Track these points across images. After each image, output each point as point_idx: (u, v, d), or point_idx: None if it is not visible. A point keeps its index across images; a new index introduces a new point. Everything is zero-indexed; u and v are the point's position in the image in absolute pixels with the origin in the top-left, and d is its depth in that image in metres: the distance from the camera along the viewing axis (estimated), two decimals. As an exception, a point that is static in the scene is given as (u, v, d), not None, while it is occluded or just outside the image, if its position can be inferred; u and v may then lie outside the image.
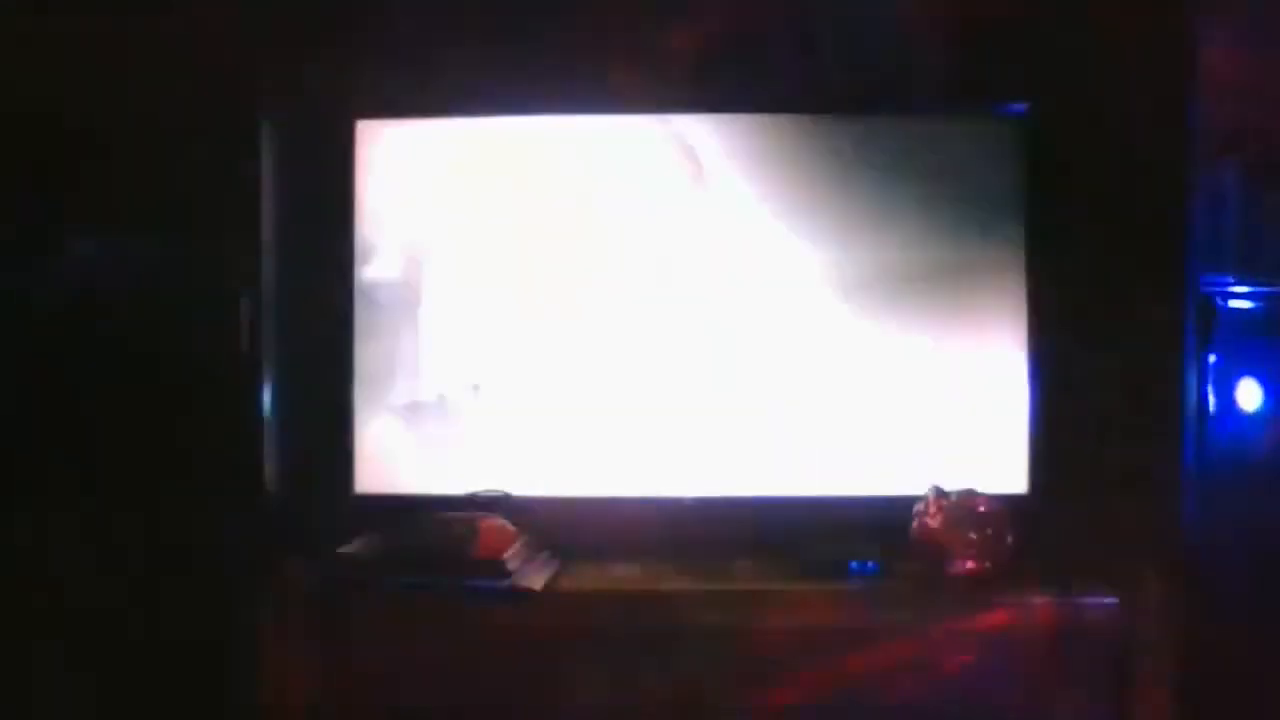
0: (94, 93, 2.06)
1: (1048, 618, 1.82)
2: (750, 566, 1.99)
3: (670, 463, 2.09)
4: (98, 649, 1.94)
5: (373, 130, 2.11)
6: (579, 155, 2.10)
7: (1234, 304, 1.91)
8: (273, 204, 2.00)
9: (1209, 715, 1.83)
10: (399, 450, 2.10)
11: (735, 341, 2.10)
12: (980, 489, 1.93)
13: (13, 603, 1.95)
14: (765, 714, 1.83)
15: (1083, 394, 2.01)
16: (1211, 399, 1.89)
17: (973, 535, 1.89)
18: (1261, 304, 1.92)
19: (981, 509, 1.90)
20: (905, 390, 2.09)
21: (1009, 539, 1.90)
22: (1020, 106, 2.06)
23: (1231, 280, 1.92)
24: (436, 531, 1.92)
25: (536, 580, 1.88)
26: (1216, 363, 1.89)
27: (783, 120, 2.10)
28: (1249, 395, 1.91)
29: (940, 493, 1.92)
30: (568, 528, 2.05)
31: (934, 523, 1.90)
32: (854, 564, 1.92)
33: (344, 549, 1.95)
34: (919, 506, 1.92)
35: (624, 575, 1.95)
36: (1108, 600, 1.81)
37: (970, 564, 1.89)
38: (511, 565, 1.88)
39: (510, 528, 1.95)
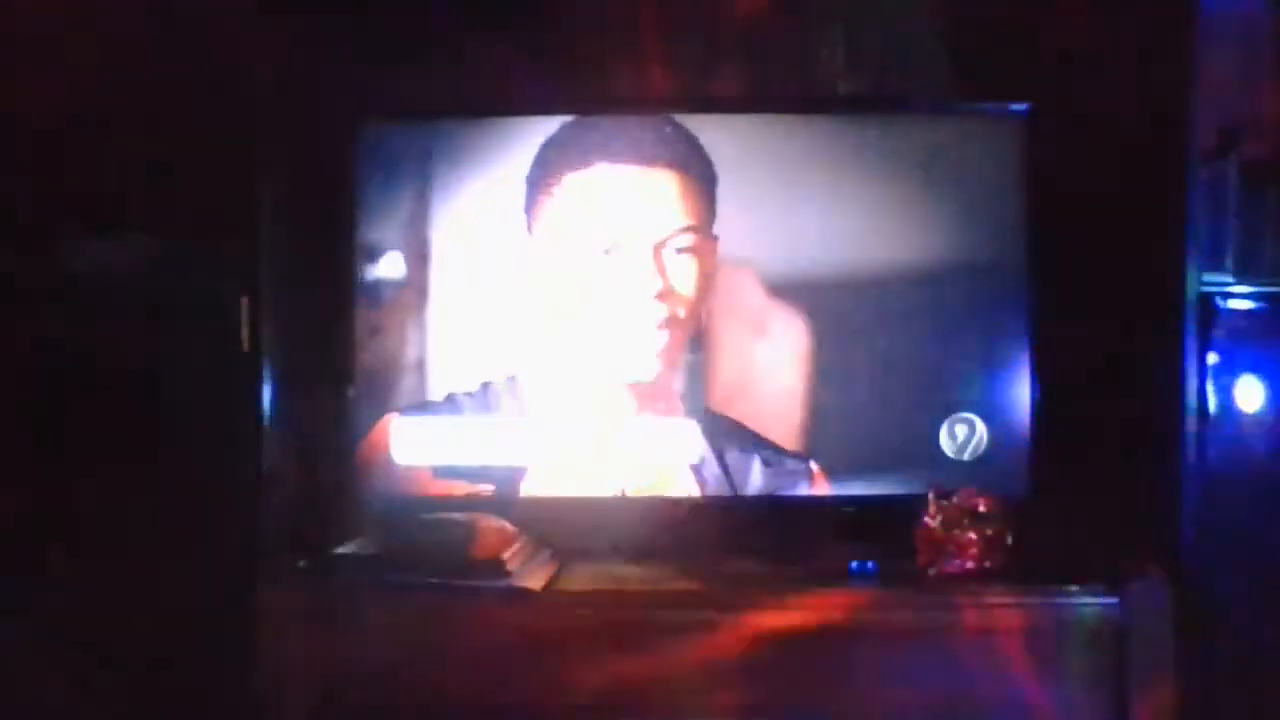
0: (94, 92, 2.06)
1: (1047, 617, 1.82)
2: (750, 566, 1.99)
3: (670, 463, 2.09)
4: (97, 648, 1.94)
5: (373, 130, 2.10)
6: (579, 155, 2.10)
7: (1234, 304, 1.91)
8: (273, 204, 2.00)
9: (1209, 715, 1.83)
10: (400, 450, 2.09)
11: (735, 341, 2.10)
12: (980, 489, 1.93)
13: (10, 602, 1.95)
14: (765, 714, 1.82)
15: (1083, 394, 2.01)
16: (1211, 399, 1.89)
17: (973, 535, 1.89)
18: (1261, 304, 1.92)
19: (981, 509, 1.90)
20: (905, 390, 2.09)
21: (1009, 539, 1.90)
22: (1020, 106, 2.06)
23: (1231, 280, 1.92)
24: (436, 531, 1.92)
25: (536, 580, 1.88)
26: (1216, 363, 1.89)
27: (783, 120, 2.10)
28: (1249, 395, 1.91)
29: (940, 493, 1.92)
30: (568, 528, 2.05)
31: (934, 523, 1.90)
32: (854, 564, 1.92)
33: (344, 549, 1.95)
34: (919, 507, 1.92)
35: (624, 575, 1.95)
36: (1107, 600, 1.81)
37: (970, 564, 1.89)
38: (511, 565, 1.88)
39: (510, 528, 1.95)
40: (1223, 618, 1.85)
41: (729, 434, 2.09)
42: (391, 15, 2.14)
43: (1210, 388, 1.89)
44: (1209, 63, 1.86)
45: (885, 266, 2.08)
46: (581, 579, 1.93)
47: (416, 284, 2.10)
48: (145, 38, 2.04)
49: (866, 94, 2.16)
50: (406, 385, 2.10)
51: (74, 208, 2.07)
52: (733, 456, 2.09)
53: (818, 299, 2.08)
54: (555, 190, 2.08)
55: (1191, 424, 1.87)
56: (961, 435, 2.08)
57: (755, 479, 2.08)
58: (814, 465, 2.08)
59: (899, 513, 1.95)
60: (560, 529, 2.04)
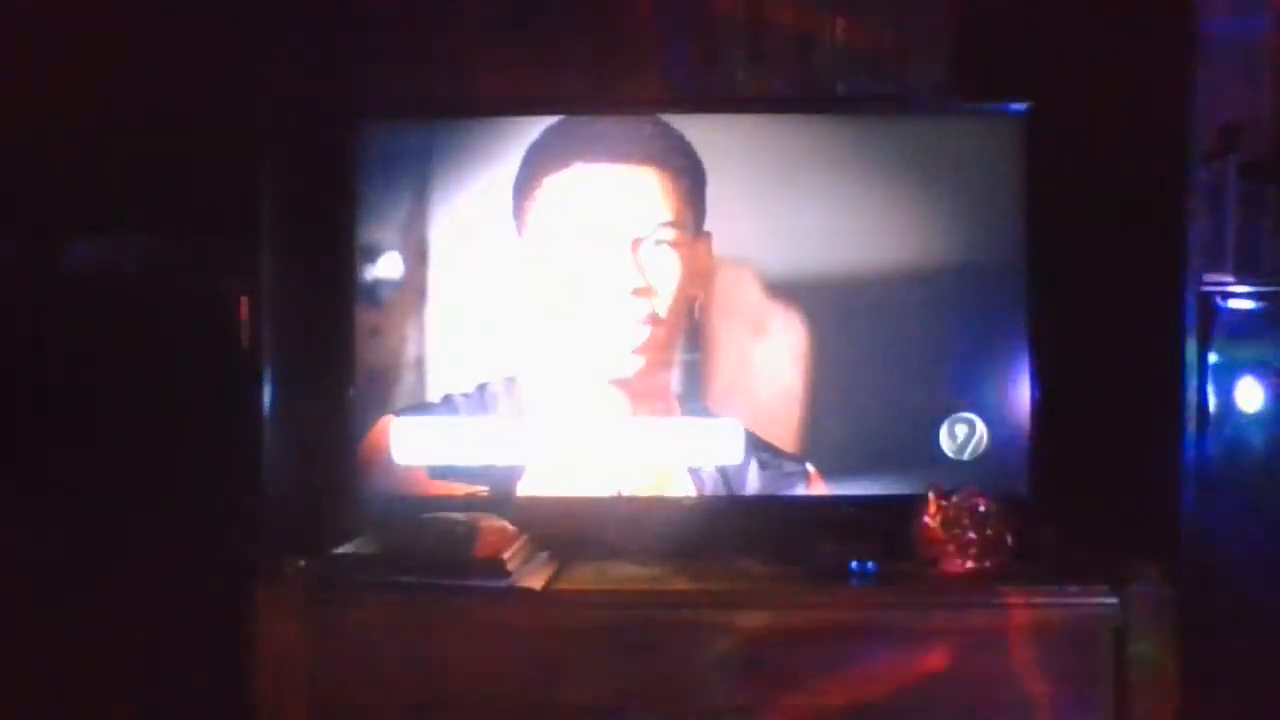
0: (94, 92, 2.06)
1: (1047, 617, 1.82)
2: (750, 566, 1.99)
3: (670, 463, 2.09)
4: (97, 648, 1.94)
5: (373, 130, 2.10)
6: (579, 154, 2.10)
7: (1234, 304, 1.91)
8: (273, 204, 2.00)
9: (1209, 715, 1.83)
10: (399, 450, 2.09)
11: (734, 340, 2.10)
12: (980, 489, 1.93)
13: (10, 601, 1.95)
14: (765, 714, 1.82)
15: (1083, 394, 2.01)
16: (1211, 399, 1.89)
17: (973, 535, 1.89)
18: (1261, 304, 1.92)
19: (981, 509, 1.90)
20: (905, 390, 2.09)
21: (1009, 539, 1.90)
22: (1020, 106, 2.06)
23: (1231, 280, 1.92)
24: (436, 531, 1.92)
25: (536, 580, 1.88)
26: (1216, 363, 1.89)
27: (783, 120, 2.10)
28: (1249, 395, 1.91)
29: (940, 493, 1.92)
30: (568, 528, 2.05)
31: (934, 523, 1.90)
32: (854, 564, 1.92)
33: (344, 549, 1.95)
34: (919, 507, 1.92)
35: (624, 575, 1.95)
36: (1107, 600, 1.81)
37: (970, 564, 1.89)
38: (511, 565, 1.88)
39: (510, 528, 1.95)
40: (1223, 618, 1.84)
41: (728, 433, 2.09)
42: (391, 15, 2.14)
43: (1210, 388, 1.89)
44: (1209, 63, 1.86)
45: (885, 266, 2.08)
46: (581, 579, 1.93)
47: (416, 284, 2.10)
48: (145, 38, 2.04)
49: (866, 94, 2.16)
50: (405, 385, 2.10)
51: (74, 208, 2.07)
52: (732, 456, 2.09)
53: (817, 298, 2.08)
54: (538, 194, 2.08)
55: (1191, 424, 1.87)
56: (961, 435, 2.08)
57: (752, 481, 2.08)
58: (810, 467, 2.08)
59: (899, 513, 1.95)
60: (560, 529, 2.04)
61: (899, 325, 2.08)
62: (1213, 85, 1.87)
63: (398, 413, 2.09)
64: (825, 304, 2.08)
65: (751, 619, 1.83)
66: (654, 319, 2.07)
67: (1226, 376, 1.90)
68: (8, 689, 1.95)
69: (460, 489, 2.08)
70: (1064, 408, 2.03)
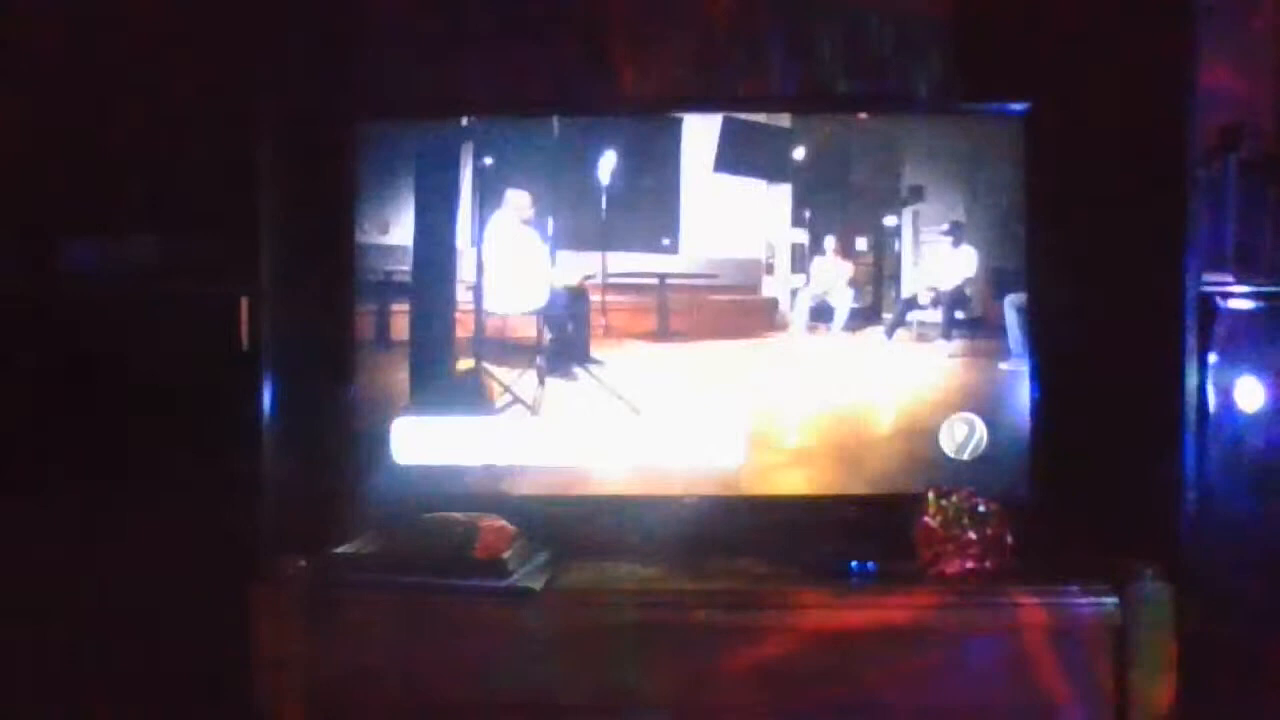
0: (94, 93, 2.06)
1: (1047, 617, 1.82)
2: (750, 566, 1.99)
3: (669, 463, 2.09)
4: (96, 648, 1.94)
5: (373, 130, 2.10)
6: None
7: (1234, 304, 1.91)
8: (272, 204, 2.00)
9: (1209, 715, 1.83)
10: (399, 450, 2.09)
11: (734, 339, 2.10)
12: (980, 489, 1.93)
13: (11, 601, 1.95)
14: (766, 714, 1.82)
15: (1082, 394, 2.01)
16: (1211, 399, 1.89)
17: (973, 535, 1.89)
18: (1261, 304, 1.92)
19: (981, 509, 1.90)
20: (905, 389, 2.09)
21: (1009, 539, 1.90)
22: (1020, 106, 2.06)
23: (1231, 280, 1.92)
24: (436, 531, 1.92)
25: (536, 580, 1.88)
26: (1216, 363, 1.89)
27: (783, 120, 2.10)
28: (1249, 395, 1.91)
29: (940, 493, 1.92)
30: (568, 528, 2.05)
31: (934, 523, 1.90)
32: (854, 564, 1.92)
33: (344, 549, 1.95)
34: (919, 507, 1.92)
35: (624, 575, 1.95)
36: (1107, 600, 1.81)
37: (970, 564, 1.89)
38: (511, 565, 1.88)
39: (510, 528, 1.95)
40: (1223, 618, 1.84)
41: (728, 433, 2.09)
42: (390, 15, 2.14)
43: (1210, 388, 1.89)
44: (1209, 63, 1.86)
45: (884, 265, 2.08)
46: (581, 579, 1.93)
47: (416, 283, 2.10)
48: (145, 38, 2.04)
49: (866, 93, 2.16)
50: (406, 385, 2.10)
51: (74, 208, 2.07)
52: (732, 456, 2.09)
53: (818, 298, 2.08)
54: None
55: (1191, 424, 1.87)
56: (961, 435, 2.08)
57: (754, 478, 2.08)
58: (814, 464, 2.07)
59: (899, 513, 1.95)
60: (560, 529, 2.04)
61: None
62: (1213, 85, 1.87)
63: (398, 412, 2.09)
64: (825, 303, 2.08)
65: (751, 619, 1.83)
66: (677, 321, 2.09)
67: (1226, 376, 1.89)
68: (9, 689, 1.95)
69: (461, 489, 2.08)
70: (1064, 408, 2.03)
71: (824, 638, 1.82)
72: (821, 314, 2.12)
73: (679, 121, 2.11)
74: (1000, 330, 2.09)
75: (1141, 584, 1.80)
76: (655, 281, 2.13)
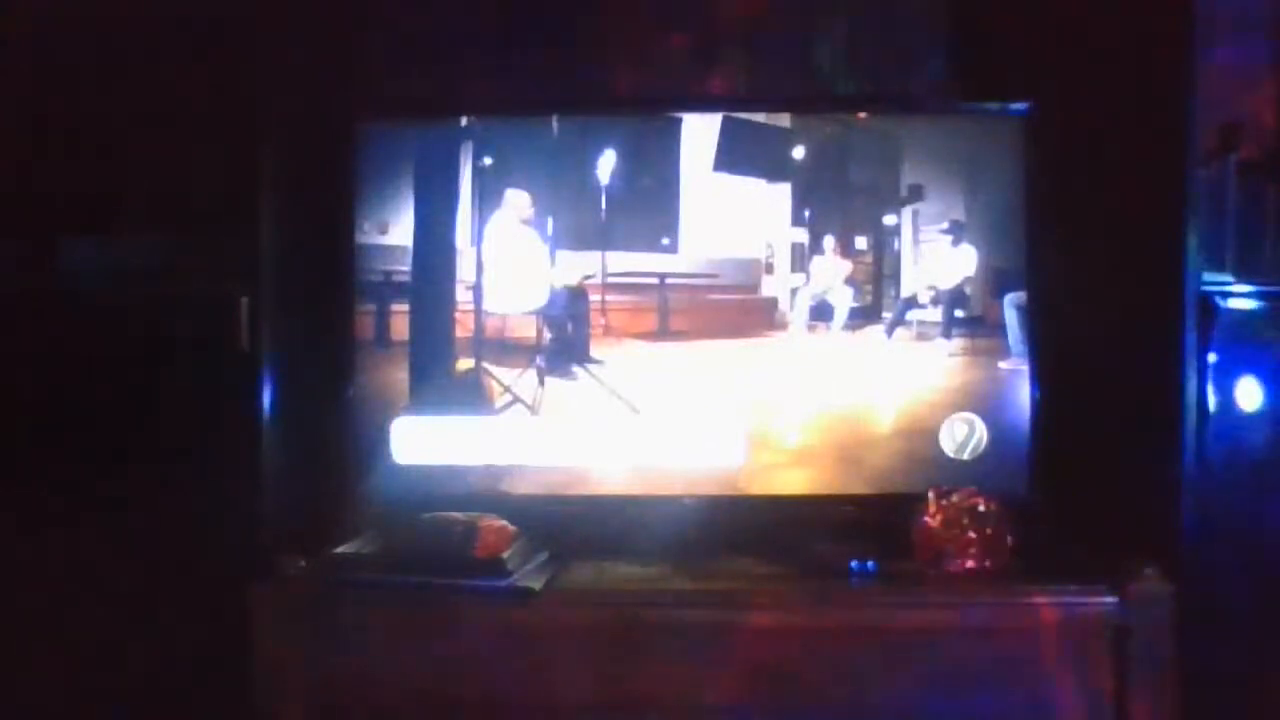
0: (94, 93, 2.06)
1: (1047, 617, 1.82)
2: (750, 566, 1.99)
3: (669, 463, 2.09)
4: (96, 648, 1.94)
5: (373, 130, 2.10)
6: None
7: (1234, 304, 1.91)
8: (272, 204, 2.00)
9: (1208, 716, 1.83)
10: (399, 450, 2.09)
11: (734, 339, 2.10)
12: (980, 489, 1.93)
13: (10, 602, 1.95)
14: (765, 713, 1.82)
15: (1082, 394, 2.01)
16: (1211, 399, 1.89)
17: (973, 535, 1.89)
18: (1261, 304, 1.92)
19: (981, 509, 1.90)
20: (905, 389, 2.09)
21: (1009, 539, 1.90)
22: (1021, 106, 2.06)
23: (1231, 280, 1.92)
24: (436, 531, 1.92)
25: (536, 580, 1.88)
26: (1216, 363, 1.89)
27: (783, 120, 2.10)
28: (1249, 395, 1.91)
29: (940, 493, 1.92)
30: (568, 528, 2.05)
31: (934, 523, 1.90)
32: (854, 564, 1.92)
33: (343, 549, 1.95)
34: (919, 506, 1.92)
35: (624, 575, 1.95)
36: (1107, 600, 1.81)
37: (970, 564, 1.89)
38: (511, 565, 1.88)
39: (510, 528, 1.95)
40: (1223, 618, 1.84)
41: (728, 433, 2.09)
42: (390, 16, 2.14)
43: (1210, 387, 1.89)
44: (1209, 63, 1.86)
45: (884, 265, 2.08)
46: (581, 579, 1.93)
47: (416, 283, 2.10)
48: (145, 38, 2.04)
49: (866, 93, 2.16)
50: (406, 385, 2.10)
51: (74, 208, 2.07)
52: (731, 456, 2.09)
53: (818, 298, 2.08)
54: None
55: (1191, 424, 1.87)
56: (961, 435, 2.08)
57: (754, 478, 2.08)
58: (814, 464, 2.07)
59: (899, 513, 1.95)
60: (560, 529, 2.04)
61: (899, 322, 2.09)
62: (1213, 85, 1.87)
63: (398, 412, 2.09)
64: (825, 303, 2.09)
65: (751, 619, 1.83)
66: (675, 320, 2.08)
67: (1226, 376, 1.89)
68: (8, 690, 1.95)
69: (461, 489, 2.08)
70: (1064, 408, 2.03)
71: (824, 638, 1.82)
72: (821, 313, 2.13)
73: (679, 121, 2.11)
74: (1000, 329, 2.09)
75: (1141, 584, 1.80)
76: (655, 281, 2.14)
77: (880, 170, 2.11)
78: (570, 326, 2.13)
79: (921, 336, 2.12)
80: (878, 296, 2.13)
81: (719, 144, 2.09)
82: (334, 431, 2.09)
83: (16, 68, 2.05)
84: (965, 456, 2.07)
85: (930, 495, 1.92)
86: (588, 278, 2.12)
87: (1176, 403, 1.86)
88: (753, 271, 2.14)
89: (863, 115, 2.13)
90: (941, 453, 2.08)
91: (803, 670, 1.82)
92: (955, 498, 1.91)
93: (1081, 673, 1.81)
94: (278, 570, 1.87)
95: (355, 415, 2.09)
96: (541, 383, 2.11)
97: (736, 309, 2.15)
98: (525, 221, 2.11)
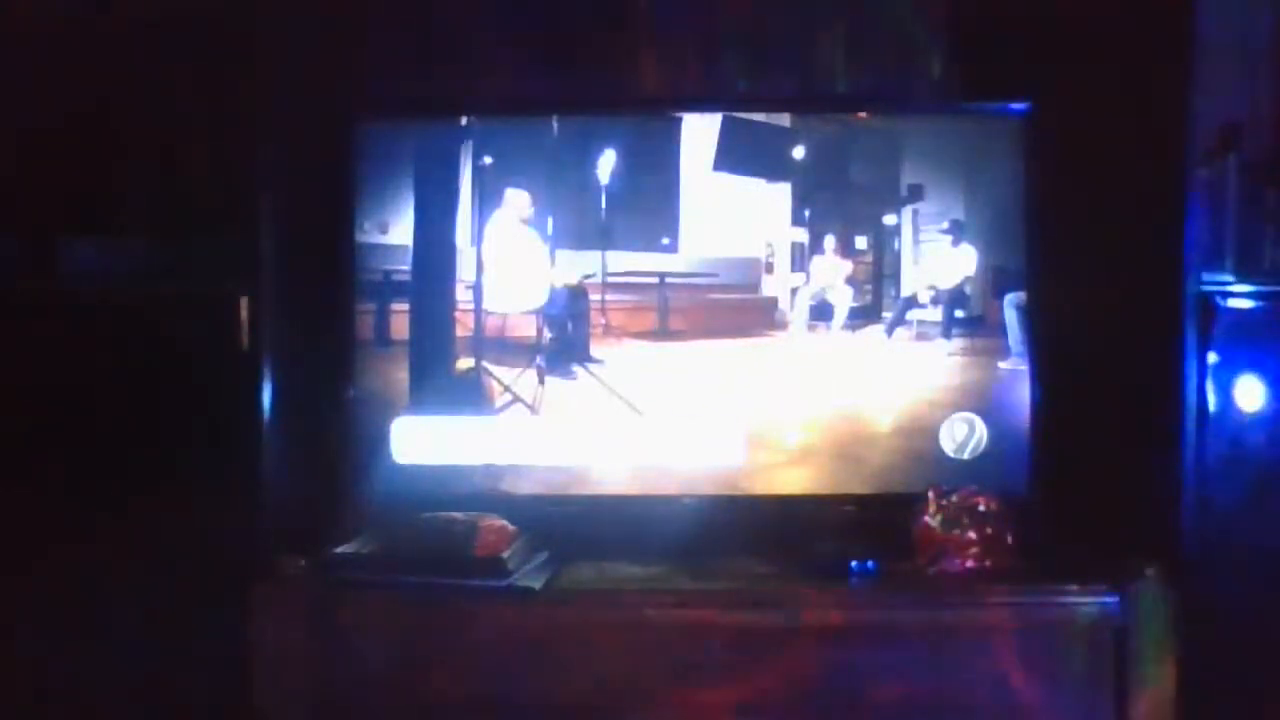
0: (94, 93, 2.06)
1: (1047, 617, 1.82)
2: (750, 566, 1.99)
3: (669, 463, 2.09)
4: (96, 648, 1.94)
5: (373, 130, 2.10)
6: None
7: (1234, 304, 1.91)
8: (272, 204, 2.00)
9: (1208, 715, 1.83)
10: (399, 450, 2.09)
11: (734, 339, 2.10)
12: (980, 489, 1.93)
13: (10, 601, 1.95)
14: (765, 714, 1.83)
15: (1083, 394, 2.01)
16: (1211, 399, 1.89)
17: (973, 535, 1.89)
18: (1261, 304, 1.92)
19: (981, 509, 1.90)
20: (905, 388, 2.09)
21: (1009, 539, 1.90)
22: (1020, 106, 2.06)
23: (1231, 280, 1.92)
24: (436, 531, 1.92)
25: (536, 580, 1.88)
26: (1216, 363, 1.89)
27: (783, 119, 2.10)
28: (1249, 395, 1.91)
29: (940, 492, 1.92)
30: (568, 528, 2.05)
31: (934, 522, 1.91)
32: (854, 564, 1.92)
33: (343, 549, 1.95)
34: (919, 506, 1.92)
35: (624, 575, 1.95)
36: (1107, 600, 1.81)
37: (970, 564, 1.89)
38: (511, 565, 1.88)
39: (510, 528, 1.95)
40: (1223, 618, 1.85)
41: (729, 432, 2.09)
42: (390, 15, 2.13)
43: (1210, 387, 1.89)
44: (1209, 63, 1.86)
45: (884, 264, 2.08)
46: (581, 579, 1.93)
47: (416, 282, 2.10)
48: (145, 38, 2.04)
49: (866, 93, 2.16)
50: (406, 385, 2.10)
51: (74, 208, 2.07)
52: (731, 455, 2.09)
53: (818, 298, 2.08)
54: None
55: (1191, 423, 1.87)
56: (961, 435, 2.08)
57: (754, 478, 2.08)
58: (814, 463, 2.08)
59: (899, 513, 1.95)
60: (560, 529, 2.04)
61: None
62: (1213, 85, 1.87)
63: (398, 412, 2.09)
64: (825, 303, 2.09)
65: (751, 619, 1.83)
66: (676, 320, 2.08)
67: (1226, 376, 1.89)
68: (9, 690, 1.95)
69: (461, 489, 2.08)
70: (1064, 408, 2.03)
71: (824, 637, 1.82)
72: (821, 313, 2.13)
73: (678, 121, 2.11)
74: (1000, 329, 2.09)
75: (1141, 584, 1.80)
76: (655, 281, 2.14)
77: (880, 170, 2.11)
78: (570, 326, 2.13)
79: (921, 336, 2.12)
80: (878, 296, 2.13)
81: (719, 143, 2.09)
82: (334, 431, 2.09)
83: (16, 68, 2.05)
84: (965, 456, 2.08)
85: (930, 495, 1.92)
86: (588, 277, 2.12)
87: (1176, 403, 1.87)
88: (753, 271, 2.14)
89: (863, 115, 2.13)
90: (941, 452, 2.08)
91: (802, 670, 1.82)
92: (955, 497, 1.91)
93: (1081, 673, 1.81)
94: (278, 570, 1.87)
95: (355, 415, 2.09)
96: (541, 382, 2.12)
97: (736, 309, 2.15)
98: (525, 221, 2.11)
